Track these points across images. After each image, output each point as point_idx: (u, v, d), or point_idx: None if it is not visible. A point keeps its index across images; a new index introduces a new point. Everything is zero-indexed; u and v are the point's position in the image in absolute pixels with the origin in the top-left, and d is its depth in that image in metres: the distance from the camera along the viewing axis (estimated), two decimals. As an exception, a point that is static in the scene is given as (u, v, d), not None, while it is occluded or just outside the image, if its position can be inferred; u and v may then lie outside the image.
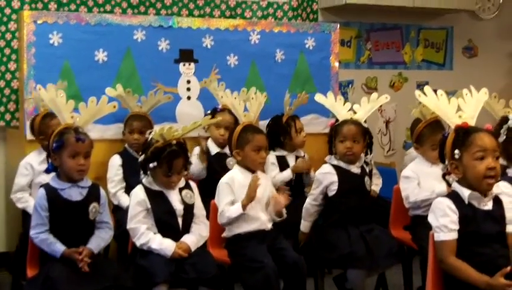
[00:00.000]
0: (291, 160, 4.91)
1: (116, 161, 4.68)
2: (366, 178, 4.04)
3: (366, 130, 4.03)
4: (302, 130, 4.97)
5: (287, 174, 4.78)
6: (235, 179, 3.86)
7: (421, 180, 4.05)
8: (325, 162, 4.06)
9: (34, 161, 4.42)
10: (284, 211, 3.89)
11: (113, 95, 4.68)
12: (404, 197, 4.09)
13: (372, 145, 4.20)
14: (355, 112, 4.07)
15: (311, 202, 4.02)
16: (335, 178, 3.93)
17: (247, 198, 3.74)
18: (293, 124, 4.91)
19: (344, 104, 4.10)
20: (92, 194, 3.50)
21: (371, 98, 4.09)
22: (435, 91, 3.15)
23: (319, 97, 4.18)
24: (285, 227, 4.05)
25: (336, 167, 3.97)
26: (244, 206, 3.73)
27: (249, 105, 4.11)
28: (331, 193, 3.94)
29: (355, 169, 3.99)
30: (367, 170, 4.15)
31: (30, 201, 4.35)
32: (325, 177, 3.96)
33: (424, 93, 3.14)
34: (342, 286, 3.96)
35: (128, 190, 4.53)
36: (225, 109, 4.78)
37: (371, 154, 4.28)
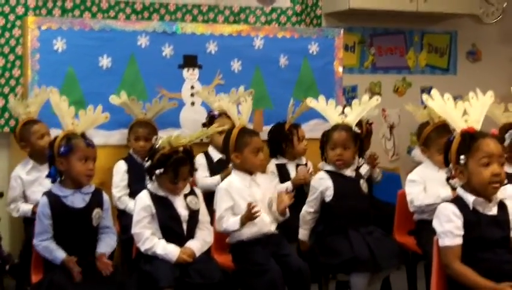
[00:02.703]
0: (291, 168, 4.89)
1: (121, 167, 4.69)
2: (362, 181, 4.06)
3: (357, 135, 4.04)
4: (304, 139, 4.96)
5: (287, 186, 4.74)
6: (233, 184, 3.87)
7: (427, 184, 4.05)
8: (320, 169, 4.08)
9: (22, 172, 4.45)
10: (287, 210, 3.89)
11: (117, 102, 4.70)
12: (408, 201, 4.09)
13: (362, 149, 4.20)
14: (346, 115, 4.07)
15: (307, 209, 4.04)
16: (330, 183, 3.95)
17: (245, 219, 3.75)
18: (295, 132, 4.89)
19: (336, 107, 4.10)
20: (95, 200, 3.52)
21: (362, 101, 4.09)
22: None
23: (310, 101, 4.18)
24: (288, 231, 4.05)
25: (329, 172, 4.00)
26: (241, 225, 3.74)
27: (241, 108, 4.12)
28: (327, 199, 3.96)
29: (349, 173, 4.01)
30: (362, 173, 4.15)
31: (23, 207, 4.39)
32: (320, 183, 3.98)
33: (431, 97, 3.13)
34: None
35: (132, 195, 4.55)
36: (222, 113, 4.78)
37: (359, 158, 4.28)
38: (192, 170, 3.65)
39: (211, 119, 4.84)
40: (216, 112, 4.85)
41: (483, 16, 6.74)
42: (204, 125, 4.88)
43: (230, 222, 3.77)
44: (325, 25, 6.04)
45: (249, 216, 3.72)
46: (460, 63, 6.72)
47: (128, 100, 4.76)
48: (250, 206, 3.71)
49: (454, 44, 6.69)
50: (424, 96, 3.19)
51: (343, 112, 4.09)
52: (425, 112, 4.39)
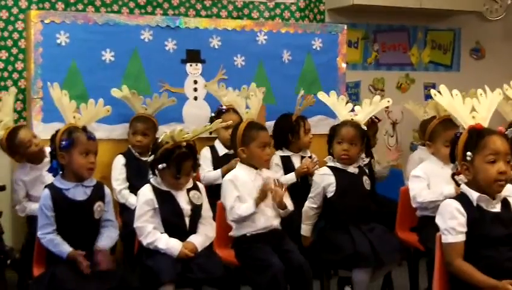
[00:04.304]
0: (296, 161, 4.89)
1: (119, 160, 4.71)
2: (365, 178, 4.05)
3: (364, 133, 4.03)
4: (310, 131, 4.97)
5: (290, 177, 4.75)
6: (238, 176, 3.87)
7: (431, 180, 4.04)
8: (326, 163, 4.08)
9: (22, 174, 4.44)
10: (289, 203, 3.90)
11: (118, 96, 4.70)
12: (411, 197, 4.08)
13: (369, 148, 4.19)
14: (356, 113, 4.07)
15: (309, 205, 4.04)
16: (332, 179, 3.95)
17: (259, 199, 3.76)
18: (302, 124, 4.91)
19: (346, 104, 4.10)
20: (96, 193, 3.52)
21: (373, 101, 4.09)
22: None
23: (321, 95, 4.18)
24: (291, 229, 4.05)
25: (332, 168, 3.99)
26: (256, 205, 3.75)
27: (249, 102, 4.12)
28: (329, 195, 3.96)
29: (352, 169, 4.01)
30: (366, 170, 4.15)
31: (29, 205, 4.40)
32: (323, 179, 3.98)
33: (440, 93, 3.12)
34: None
35: (131, 189, 4.56)
36: (230, 108, 4.79)
37: (366, 157, 4.28)
38: (196, 165, 3.63)
39: (218, 114, 4.85)
40: (224, 107, 4.84)
41: (487, 13, 6.73)
42: (212, 119, 4.89)
43: (243, 208, 3.76)
44: (328, 21, 6.05)
45: (265, 192, 3.75)
46: (464, 60, 6.72)
47: (129, 94, 4.76)
48: (265, 184, 3.74)
49: (458, 41, 6.69)
50: (433, 92, 3.18)
51: (353, 110, 4.09)
52: (431, 105, 4.37)
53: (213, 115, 4.94)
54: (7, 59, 5.11)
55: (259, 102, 4.12)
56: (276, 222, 3.89)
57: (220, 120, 4.00)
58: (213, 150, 4.86)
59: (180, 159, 3.51)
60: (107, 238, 3.52)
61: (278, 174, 4.69)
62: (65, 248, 3.38)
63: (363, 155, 4.16)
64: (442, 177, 3.94)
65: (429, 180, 4.05)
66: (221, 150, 4.85)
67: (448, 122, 4.13)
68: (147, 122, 4.75)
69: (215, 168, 4.78)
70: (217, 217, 3.85)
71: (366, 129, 4.07)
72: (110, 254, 3.48)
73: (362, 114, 4.07)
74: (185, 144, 3.54)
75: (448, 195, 3.65)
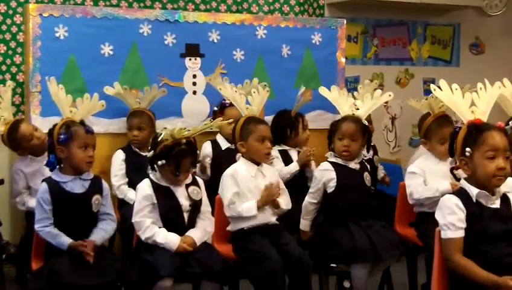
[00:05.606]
0: (294, 155, 4.91)
1: (119, 155, 4.70)
2: (366, 174, 4.04)
3: (365, 128, 4.02)
4: (307, 128, 4.97)
5: (293, 166, 4.77)
6: (239, 171, 3.86)
7: (427, 176, 4.04)
8: (327, 158, 4.07)
9: (22, 165, 4.44)
10: (285, 203, 3.89)
11: (111, 93, 4.68)
12: (408, 194, 4.08)
13: (370, 143, 4.18)
14: (357, 108, 4.05)
15: (309, 199, 4.03)
16: (333, 175, 3.94)
17: (263, 202, 3.77)
18: (300, 120, 4.93)
19: (347, 99, 4.09)
20: (94, 186, 3.52)
21: (375, 95, 4.07)
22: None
23: (322, 90, 4.17)
24: (289, 223, 4.04)
25: (334, 163, 3.98)
26: (258, 209, 3.75)
27: (251, 99, 4.10)
28: (329, 190, 3.95)
29: (353, 165, 3.99)
30: (367, 166, 4.14)
31: (28, 200, 4.39)
32: (323, 174, 3.97)
33: (439, 88, 3.11)
34: (340, 284, 3.99)
35: (130, 185, 4.55)
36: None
37: (368, 153, 4.27)
38: (195, 161, 3.63)
39: (221, 108, 4.85)
40: (227, 101, 4.84)
41: (487, 8, 6.72)
42: (215, 112, 4.89)
43: (245, 207, 3.77)
44: (327, 15, 6.03)
45: (268, 199, 3.76)
46: (463, 55, 6.71)
47: (121, 90, 4.74)
48: (269, 188, 3.75)
49: (458, 36, 6.68)
50: (432, 87, 3.17)
51: (354, 104, 4.08)
52: (426, 102, 4.37)
53: (216, 109, 4.93)
54: (5, 53, 5.10)
55: (263, 100, 4.11)
56: (273, 218, 3.88)
57: (220, 118, 3.98)
58: (215, 145, 4.86)
59: (179, 156, 3.49)
60: (101, 231, 3.50)
61: (278, 166, 4.70)
62: (65, 239, 3.37)
63: (364, 150, 4.14)
64: (437, 173, 3.95)
65: (425, 176, 4.04)
66: (224, 144, 4.85)
67: (443, 119, 4.12)
68: (142, 117, 4.74)
69: (217, 163, 4.76)
70: (215, 211, 3.84)
71: (367, 124, 4.06)
72: (96, 248, 3.44)
73: (364, 109, 4.05)
74: (184, 140, 3.52)
75: (444, 191, 3.66)
